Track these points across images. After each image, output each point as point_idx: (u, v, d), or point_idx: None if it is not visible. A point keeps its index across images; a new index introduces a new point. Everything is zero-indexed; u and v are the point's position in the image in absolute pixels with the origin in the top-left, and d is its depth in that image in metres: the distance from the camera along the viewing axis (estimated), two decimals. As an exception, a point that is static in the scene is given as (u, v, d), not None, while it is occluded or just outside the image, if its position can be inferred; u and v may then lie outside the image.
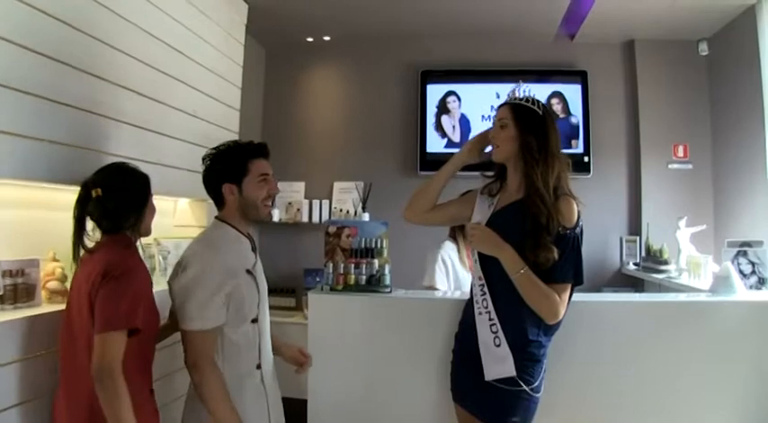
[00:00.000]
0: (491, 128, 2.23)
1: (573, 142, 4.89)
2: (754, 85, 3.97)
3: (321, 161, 5.26)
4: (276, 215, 5.00)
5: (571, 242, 1.99)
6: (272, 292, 4.78)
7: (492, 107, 4.90)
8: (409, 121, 5.13)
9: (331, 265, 2.67)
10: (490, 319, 2.06)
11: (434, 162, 4.84)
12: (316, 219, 5.07)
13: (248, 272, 2.04)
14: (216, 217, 2.13)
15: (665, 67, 4.87)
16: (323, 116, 5.33)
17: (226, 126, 3.79)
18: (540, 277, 1.97)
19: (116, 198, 1.96)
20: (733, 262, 3.01)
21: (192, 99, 3.33)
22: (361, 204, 4.88)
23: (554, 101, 4.94)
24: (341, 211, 5.03)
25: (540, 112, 2.09)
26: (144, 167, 2.11)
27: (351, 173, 5.13)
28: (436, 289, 3.11)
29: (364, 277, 2.65)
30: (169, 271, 2.30)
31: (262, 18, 4.45)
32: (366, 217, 4.77)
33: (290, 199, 5.14)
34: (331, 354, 2.56)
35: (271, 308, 4.46)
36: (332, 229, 2.78)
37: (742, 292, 2.72)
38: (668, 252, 4.09)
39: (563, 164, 2.05)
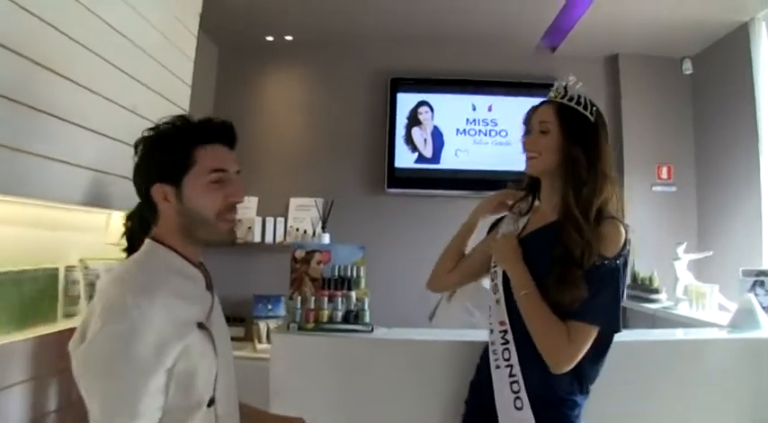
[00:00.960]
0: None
1: (553, 161, 4.58)
2: (744, 106, 3.90)
3: (277, 174, 4.79)
4: (225, 233, 4.49)
5: (608, 276, 1.59)
6: (234, 321, 4.47)
7: (467, 120, 4.60)
8: (377, 132, 4.74)
9: (299, 298, 2.27)
10: (511, 375, 1.65)
11: (404, 179, 4.56)
12: (269, 238, 4.59)
13: (201, 326, 1.31)
14: (149, 237, 1.39)
15: (649, 84, 4.70)
16: (280, 125, 4.88)
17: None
18: (563, 315, 1.58)
19: None
20: (750, 292, 2.74)
21: (132, 92, 2.79)
22: (320, 224, 4.45)
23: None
24: (297, 230, 4.57)
25: (593, 119, 1.69)
26: (69, 171, 1.58)
27: (310, 188, 4.68)
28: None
29: (340, 313, 2.25)
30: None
31: (215, 11, 3.98)
32: (326, 238, 4.34)
33: (241, 216, 4.63)
34: (300, 408, 2.13)
35: None
36: (299, 254, 2.39)
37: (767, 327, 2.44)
38: (658, 280, 3.81)
39: (614, 186, 1.67)
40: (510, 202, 1.91)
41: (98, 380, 1.21)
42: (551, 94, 1.77)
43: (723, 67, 4.26)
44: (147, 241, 1.38)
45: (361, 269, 2.37)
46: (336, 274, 2.35)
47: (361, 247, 2.39)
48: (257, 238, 4.59)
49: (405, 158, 4.64)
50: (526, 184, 1.87)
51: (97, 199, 2.43)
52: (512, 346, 1.67)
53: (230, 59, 4.90)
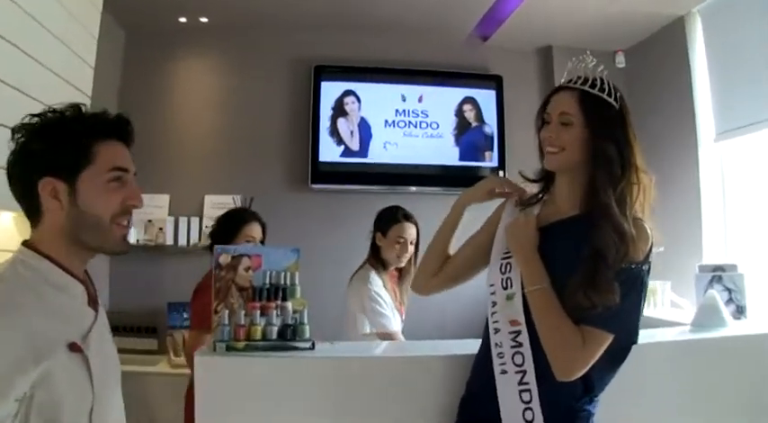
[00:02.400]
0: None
1: (487, 154, 4.52)
2: (679, 99, 3.95)
3: (190, 170, 4.45)
4: (132, 235, 4.10)
5: (632, 281, 1.45)
6: (127, 331, 4.11)
7: (397, 111, 4.41)
8: (299, 124, 4.47)
9: (226, 311, 1.99)
10: (522, 383, 1.47)
11: (329, 174, 4.34)
12: (182, 240, 4.26)
13: (73, 348, 1.16)
14: (23, 243, 1.24)
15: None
16: (194, 115, 4.52)
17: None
18: (576, 319, 1.44)
19: None
20: (707, 289, 2.71)
21: (24, 70, 2.42)
22: (239, 223, 4.13)
23: (467, 107, 4.53)
24: (214, 230, 4.22)
25: (617, 106, 1.52)
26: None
27: (227, 185, 4.36)
28: (388, 334, 2.60)
29: (275, 328, 1.97)
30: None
31: None
32: (245, 239, 4.04)
33: (151, 216, 4.28)
34: None
35: (127, 352, 3.74)
36: (224, 259, 2.10)
37: (732, 324, 2.43)
38: None
39: (649, 182, 1.56)
40: (499, 191, 1.75)
41: None
42: (568, 77, 1.58)
43: (657, 60, 4.27)
44: (20, 248, 1.23)
45: (296, 275, 2.11)
46: (268, 281, 2.07)
47: (295, 250, 2.11)
48: (169, 241, 4.26)
49: (330, 152, 4.40)
50: (541, 177, 1.71)
51: None
52: (526, 350, 1.49)
53: (139, 44, 4.48)
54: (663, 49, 4.20)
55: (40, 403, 1.09)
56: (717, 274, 2.84)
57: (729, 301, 2.77)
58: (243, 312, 1.97)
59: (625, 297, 1.41)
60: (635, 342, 1.49)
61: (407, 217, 2.78)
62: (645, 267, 1.46)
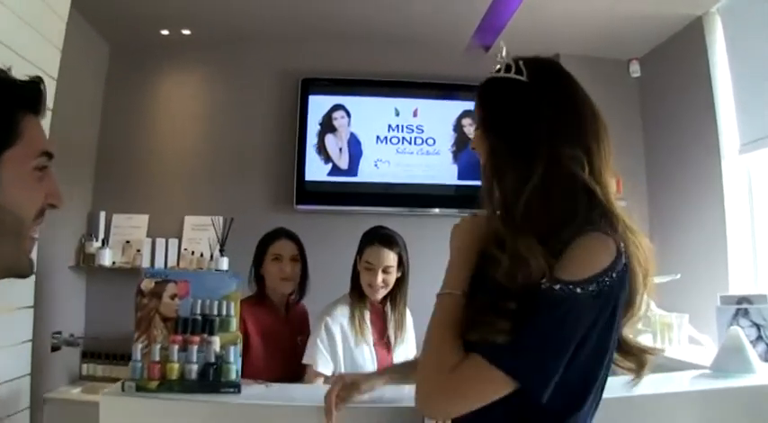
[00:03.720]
0: None
1: (488, 172, 4.16)
2: (700, 109, 3.60)
3: (170, 189, 4.27)
4: (108, 257, 3.90)
5: (547, 303, 1.04)
6: (99, 357, 3.89)
7: (389, 126, 4.17)
8: (285, 141, 4.26)
9: (140, 346, 1.75)
10: None
11: (315, 194, 4.11)
12: (160, 262, 4.05)
13: None
14: None
15: (593, 89, 4.07)
16: (175, 132, 4.35)
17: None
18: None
19: None
20: (732, 324, 2.38)
21: None
22: (218, 246, 3.89)
23: (466, 121, 4.24)
24: (193, 253, 4.02)
25: (524, 78, 1.19)
26: None
27: (208, 205, 4.17)
28: (319, 373, 2.24)
29: (195, 367, 1.76)
30: None
31: (109, 2, 3.56)
32: (224, 263, 3.81)
33: (129, 237, 4.10)
34: None
35: (102, 380, 3.59)
36: (147, 285, 1.88)
37: (761, 369, 2.06)
38: None
39: (573, 159, 1.13)
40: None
41: None
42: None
43: (674, 68, 3.97)
44: None
45: (232, 306, 1.85)
46: (199, 311, 1.83)
47: (235, 276, 1.92)
48: (146, 263, 4.05)
49: (317, 170, 4.17)
50: None
51: None
52: None
53: (122, 58, 4.38)
54: (680, 55, 3.88)
55: None
56: (742, 307, 2.51)
57: (758, 338, 2.42)
58: (158, 347, 1.73)
59: (533, 323, 1.03)
60: (537, 396, 1.03)
61: (384, 240, 2.38)
62: (581, 290, 1.02)
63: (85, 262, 3.93)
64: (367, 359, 2.30)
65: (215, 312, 1.82)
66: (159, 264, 4.02)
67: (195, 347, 1.74)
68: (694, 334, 3.01)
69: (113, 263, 3.99)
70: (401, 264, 2.38)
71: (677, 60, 3.94)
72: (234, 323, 1.84)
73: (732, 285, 3.23)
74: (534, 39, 4.03)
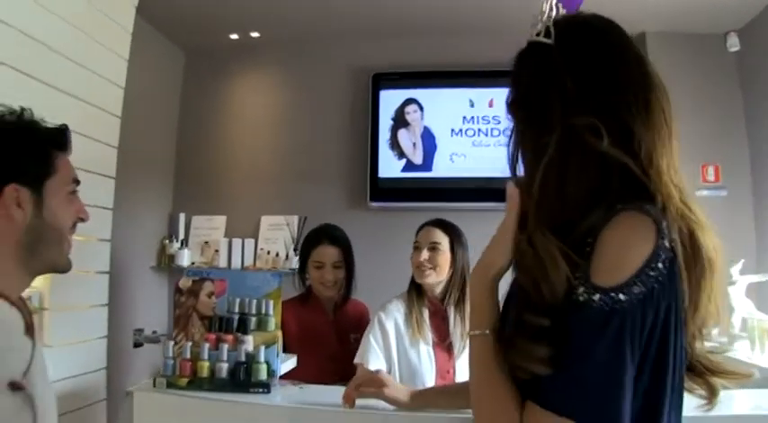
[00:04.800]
0: None
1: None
2: None
3: (246, 190, 4.35)
4: (187, 258, 4.02)
5: (592, 324, 0.84)
6: None
7: (464, 118, 4.05)
8: (357, 137, 4.23)
9: (171, 344, 1.73)
10: None
11: (389, 191, 4.04)
12: (236, 262, 4.12)
13: (15, 386, 1.02)
14: None
15: (686, 68, 4.01)
16: (250, 133, 4.44)
17: (96, 135, 2.83)
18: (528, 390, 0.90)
19: None
20: None
21: (44, 97, 2.36)
22: (293, 246, 3.90)
23: (544, 110, 3.98)
24: (269, 253, 4.06)
25: (551, 41, 1.01)
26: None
27: (284, 205, 4.22)
28: (361, 366, 2.14)
29: (226, 366, 1.73)
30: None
31: (173, 11, 3.67)
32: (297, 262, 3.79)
33: (208, 237, 4.19)
34: None
35: None
36: (185, 284, 1.86)
37: None
38: None
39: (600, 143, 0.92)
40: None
41: None
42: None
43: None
44: None
45: (271, 304, 1.81)
46: (237, 310, 1.79)
47: (277, 275, 1.87)
48: (223, 263, 4.14)
49: (390, 166, 4.10)
50: None
51: None
52: None
53: (196, 65, 4.55)
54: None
55: None
56: None
57: None
58: (189, 345, 1.71)
59: (582, 353, 0.84)
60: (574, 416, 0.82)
61: (434, 222, 2.32)
62: (624, 297, 0.82)
63: (166, 262, 4.05)
64: (424, 360, 2.14)
65: (253, 311, 1.80)
66: (236, 264, 4.10)
67: (226, 346, 1.71)
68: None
69: (192, 263, 4.11)
70: (453, 251, 2.24)
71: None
72: (272, 322, 1.80)
73: None
74: (616, 16, 3.78)
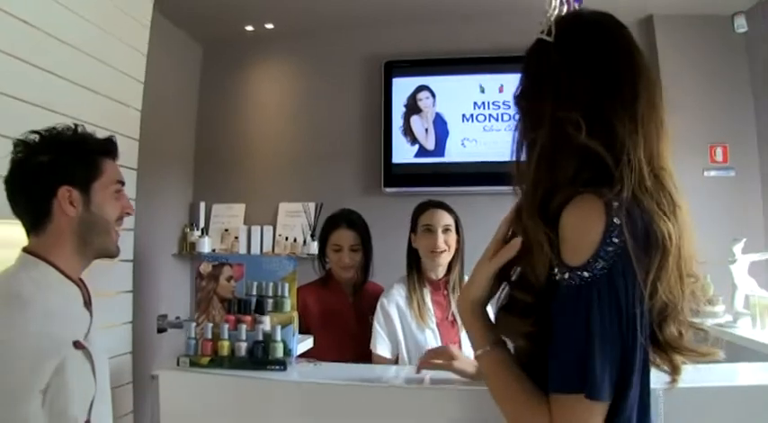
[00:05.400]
0: None
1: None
2: None
3: (264, 178, 4.47)
4: (208, 245, 4.14)
5: (569, 301, 0.96)
6: None
7: (475, 104, 4.11)
8: (371, 125, 4.32)
9: (193, 325, 1.83)
10: None
11: (403, 176, 4.14)
12: (255, 248, 4.24)
13: (78, 345, 1.29)
14: (24, 249, 1.38)
15: (693, 49, 4.04)
16: (266, 123, 4.54)
17: (117, 129, 2.93)
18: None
19: None
20: None
21: (64, 93, 2.49)
22: (310, 231, 4.00)
23: (553, 94, 4.02)
24: (287, 239, 4.17)
25: (550, 39, 1.09)
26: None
27: (300, 192, 4.33)
28: (380, 356, 2.26)
29: (244, 345, 1.82)
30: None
31: (191, 5, 3.76)
32: (315, 247, 3.89)
33: (227, 225, 4.32)
34: None
35: None
36: (205, 269, 1.97)
37: None
38: (713, 287, 3.04)
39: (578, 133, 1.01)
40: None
41: None
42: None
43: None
44: (21, 255, 1.38)
45: (287, 287, 1.91)
46: (254, 292, 1.89)
47: (292, 260, 1.96)
48: (242, 249, 4.26)
49: (403, 152, 4.18)
50: None
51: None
52: None
53: (214, 58, 4.65)
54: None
55: (54, 394, 1.21)
56: None
57: None
58: (210, 326, 1.81)
59: (563, 331, 0.96)
60: (593, 395, 0.91)
61: (438, 204, 2.42)
62: (588, 275, 0.93)
63: (188, 250, 4.18)
64: (429, 339, 2.24)
65: (270, 293, 1.87)
66: (255, 250, 4.22)
67: (245, 327, 1.80)
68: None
69: (213, 250, 4.22)
70: (458, 227, 2.34)
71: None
72: (288, 304, 1.88)
73: None
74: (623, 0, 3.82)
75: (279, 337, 1.80)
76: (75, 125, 1.48)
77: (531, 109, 1.11)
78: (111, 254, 1.49)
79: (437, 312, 2.31)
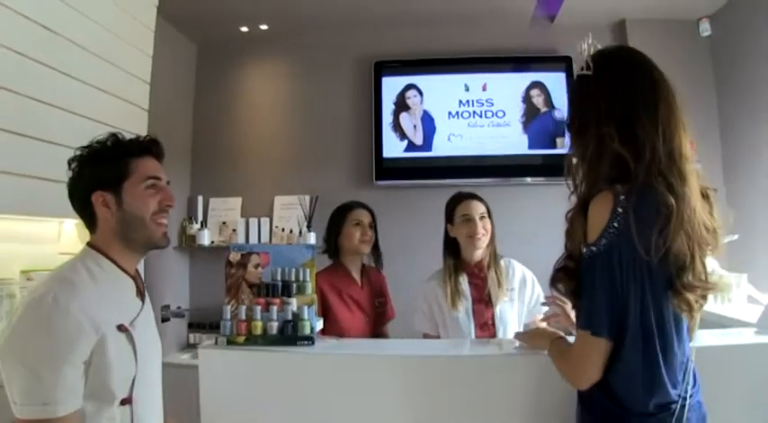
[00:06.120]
0: None
1: (558, 141, 4.31)
2: None
3: (260, 173, 4.64)
4: (207, 237, 4.29)
5: (586, 267, 1.40)
6: (204, 327, 4.30)
7: (460, 101, 4.36)
8: (362, 121, 4.54)
9: (229, 307, 2.03)
10: None
11: (393, 170, 4.36)
12: (253, 240, 4.43)
13: (121, 328, 1.45)
14: (87, 243, 1.57)
15: (663, 52, 3.96)
16: (262, 120, 4.71)
17: (126, 128, 3.09)
18: None
19: None
20: None
21: (75, 93, 2.65)
22: (306, 223, 4.19)
23: (534, 92, 4.36)
24: (283, 230, 4.37)
25: (588, 72, 1.49)
26: (14, 181, 1.88)
27: (295, 185, 4.50)
28: (425, 333, 2.65)
29: (276, 324, 2.03)
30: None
31: (187, 6, 3.89)
32: (312, 237, 4.10)
33: (225, 218, 4.48)
34: None
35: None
36: (234, 257, 2.16)
37: None
38: None
39: (612, 143, 1.40)
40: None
41: (16, 366, 1.31)
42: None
43: (748, 24, 3.86)
44: (84, 247, 1.55)
45: (309, 272, 2.11)
46: (279, 278, 2.09)
47: (310, 247, 2.17)
48: (241, 241, 4.42)
49: (393, 147, 4.41)
50: None
51: (45, 207, 2.35)
52: None
53: (208, 57, 4.79)
54: (751, 11, 3.78)
55: (95, 368, 1.37)
56: None
57: None
58: (244, 309, 2.00)
59: (584, 287, 1.41)
60: (598, 334, 1.37)
61: (470, 195, 2.67)
62: (596, 249, 1.36)
63: (187, 242, 4.35)
64: (463, 320, 2.53)
65: (293, 278, 2.07)
66: (253, 241, 4.38)
67: (275, 308, 1.99)
68: (755, 293, 3.01)
69: (212, 242, 4.40)
70: (489, 215, 2.60)
71: (748, 16, 3.84)
72: (309, 287, 2.09)
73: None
74: (598, 5, 4.09)
75: (306, 316, 2.02)
76: (114, 134, 1.59)
77: (580, 128, 1.48)
78: (159, 245, 1.59)
79: (474, 293, 2.57)
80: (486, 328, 2.52)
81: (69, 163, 1.56)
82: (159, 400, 1.64)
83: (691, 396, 1.40)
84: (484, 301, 2.56)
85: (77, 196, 1.55)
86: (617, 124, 1.38)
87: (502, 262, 2.62)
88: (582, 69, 1.48)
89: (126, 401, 1.45)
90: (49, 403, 1.29)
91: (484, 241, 2.56)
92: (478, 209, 2.57)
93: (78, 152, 1.56)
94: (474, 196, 2.64)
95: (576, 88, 1.52)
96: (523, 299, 2.59)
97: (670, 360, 1.38)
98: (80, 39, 2.66)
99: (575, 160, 1.48)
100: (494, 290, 2.55)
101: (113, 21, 2.96)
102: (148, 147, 1.61)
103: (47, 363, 1.30)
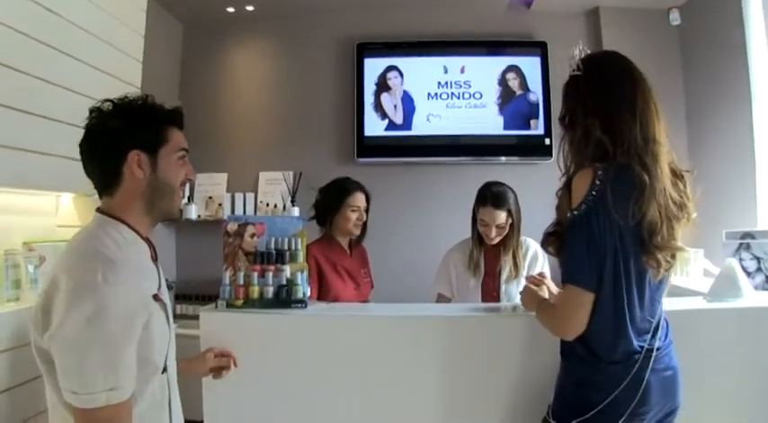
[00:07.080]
0: None
1: (532, 122, 4.50)
2: (735, 57, 3.70)
3: (246, 149, 4.80)
4: (194, 211, 4.44)
5: (570, 228, 1.64)
6: (190, 299, 4.46)
7: (439, 83, 4.53)
8: (344, 101, 4.70)
9: (228, 274, 2.18)
10: None
11: (374, 147, 4.51)
12: (239, 213, 4.52)
13: (156, 298, 1.43)
14: (99, 209, 1.49)
15: (634, 39, 4.46)
16: (247, 98, 4.86)
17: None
18: None
19: None
20: (734, 257, 2.54)
21: (72, 71, 2.75)
22: (290, 197, 4.34)
23: (510, 76, 4.54)
24: (267, 205, 4.53)
25: (579, 72, 1.75)
26: (12, 155, 1.85)
27: (279, 162, 4.66)
28: (441, 294, 2.95)
29: (271, 289, 2.17)
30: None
31: None
32: (296, 211, 4.27)
33: (211, 193, 4.62)
34: (230, 391, 2.09)
35: (189, 318, 4.12)
36: (232, 228, 2.29)
37: (750, 295, 2.23)
38: None
39: (594, 131, 1.66)
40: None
41: (74, 358, 1.25)
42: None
43: (713, 15, 4.04)
44: (97, 215, 1.47)
45: (300, 241, 2.26)
46: (273, 247, 2.23)
47: (301, 219, 2.32)
48: (227, 215, 4.49)
49: (374, 126, 4.58)
50: None
51: (45, 181, 2.48)
52: None
53: (195, 36, 4.90)
54: (718, 3, 3.94)
55: (142, 344, 1.34)
56: (745, 242, 2.67)
57: (758, 270, 2.57)
58: (242, 274, 2.15)
59: (568, 245, 1.64)
60: (582, 286, 1.59)
61: (495, 201, 2.76)
62: (577, 212, 1.60)
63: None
64: (473, 288, 2.81)
65: (286, 247, 2.22)
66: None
67: (270, 274, 2.14)
68: (709, 267, 3.24)
69: (198, 216, 4.57)
70: (510, 215, 2.75)
71: (715, 8, 3.99)
72: (301, 255, 2.24)
73: (761, 223, 3.44)
74: (573, -8, 4.25)
75: (299, 282, 2.18)
76: (146, 95, 1.53)
77: (570, 120, 1.73)
78: (174, 216, 1.60)
79: (488, 266, 2.83)
80: (493, 297, 2.78)
81: (92, 112, 1.48)
82: (174, 360, 1.62)
83: (658, 349, 1.64)
84: (495, 274, 2.81)
85: (110, 149, 1.45)
86: (601, 117, 1.63)
87: (522, 244, 2.84)
88: (573, 71, 1.73)
89: (164, 370, 1.44)
90: (115, 388, 1.26)
91: (497, 240, 2.76)
92: (497, 219, 2.71)
93: (108, 104, 1.48)
94: (497, 204, 2.73)
95: (568, 86, 1.77)
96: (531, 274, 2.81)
97: (634, 313, 1.62)
98: (77, 18, 2.76)
99: (566, 147, 1.73)
100: (506, 268, 2.79)
101: (108, 0, 3.04)
102: (179, 118, 1.59)
103: (111, 346, 1.26)
